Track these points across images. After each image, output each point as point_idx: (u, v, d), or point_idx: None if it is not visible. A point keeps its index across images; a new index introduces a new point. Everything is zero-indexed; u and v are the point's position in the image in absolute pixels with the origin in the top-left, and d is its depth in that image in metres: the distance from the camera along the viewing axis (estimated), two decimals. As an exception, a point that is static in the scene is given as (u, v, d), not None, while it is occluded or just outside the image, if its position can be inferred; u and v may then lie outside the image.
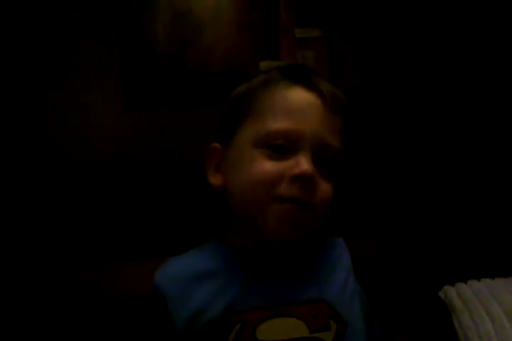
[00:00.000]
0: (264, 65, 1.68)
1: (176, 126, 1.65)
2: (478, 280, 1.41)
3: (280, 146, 0.64)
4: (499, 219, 1.68)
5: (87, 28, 1.59)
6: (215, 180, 0.71)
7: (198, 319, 0.65)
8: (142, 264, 1.56)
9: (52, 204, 1.58)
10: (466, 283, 1.41)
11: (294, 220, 0.64)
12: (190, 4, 1.63)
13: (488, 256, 1.59)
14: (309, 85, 0.66)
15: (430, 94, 1.76)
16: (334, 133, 0.66)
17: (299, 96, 0.66)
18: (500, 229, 1.65)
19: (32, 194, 1.57)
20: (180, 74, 1.65)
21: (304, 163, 0.62)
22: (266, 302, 0.64)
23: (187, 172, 1.66)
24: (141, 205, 1.64)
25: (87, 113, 1.61)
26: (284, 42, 1.71)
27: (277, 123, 0.64)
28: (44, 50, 1.56)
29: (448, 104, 1.76)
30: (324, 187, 0.64)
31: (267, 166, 0.63)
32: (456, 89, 1.76)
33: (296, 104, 0.65)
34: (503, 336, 1.20)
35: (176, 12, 1.63)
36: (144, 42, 1.62)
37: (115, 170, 1.63)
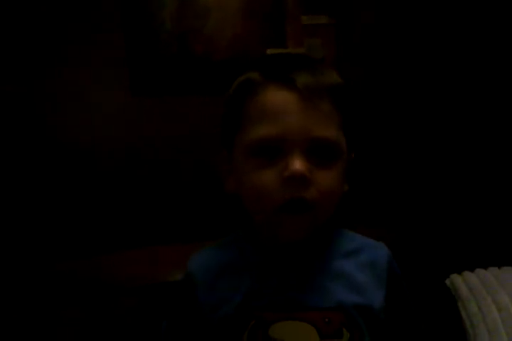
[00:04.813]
0: (270, 52, 1.66)
1: (182, 112, 1.64)
2: (485, 269, 1.41)
3: (270, 152, 0.64)
4: (508, 208, 1.68)
5: (92, 14, 1.57)
6: (228, 185, 0.73)
7: (218, 309, 0.69)
8: (143, 252, 1.57)
9: (54, 193, 1.58)
10: (473, 271, 1.41)
11: (305, 227, 0.67)
12: (195, -10, 1.62)
13: (496, 245, 1.59)
14: (284, 81, 0.65)
15: (442, 82, 1.74)
16: (322, 122, 0.65)
17: (274, 97, 0.65)
18: (508, 219, 1.64)
19: (33, 183, 1.57)
20: (186, 60, 1.64)
21: (292, 163, 0.62)
22: (283, 303, 0.67)
23: (192, 160, 1.66)
24: (145, 193, 1.64)
25: (93, 100, 1.60)
26: (291, 29, 1.70)
27: (261, 131, 0.64)
28: (48, 37, 1.54)
29: (460, 93, 1.74)
30: (325, 179, 0.64)
31: (263, 177, 0.64)
32: (467, 79, 1.74)
33: (274, 106, 0.65)
34: (509, 324, 1.21)
35: (181, -2, 1.61)
36: (150, 29, 1.60)
37: (119, 158, 1.63)
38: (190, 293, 0.73)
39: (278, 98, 0.65)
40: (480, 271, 1.41)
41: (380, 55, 1.72)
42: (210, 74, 1.65)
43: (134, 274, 1.51)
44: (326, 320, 0.65)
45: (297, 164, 0.62)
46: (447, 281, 1.45)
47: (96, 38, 1.58)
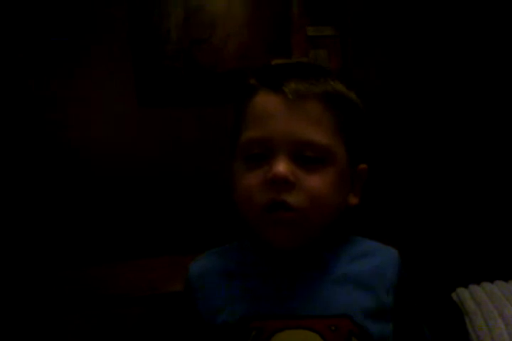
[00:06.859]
0: (275, 62, 1.67)
1: (188, 123, 1.65)
2: (492, 282, 1.40)
3: (257, 155, 0.65)
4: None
5: (98, 25, 1.58)
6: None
7: (217, 317, 0.67)
8: (144, 263, 1.56)
9: (58, 202, 1.58)
10: (479, 285, 1.40)
11: (290, 227, 0.64)
12: (201, 1, 1.63)
13: (502, 259, 1.58)
14: (274, 87, 0.65)
15: (447, 91, 1.74)
16: (310, 126, 0.64)
17: (263, 102, 0.66)
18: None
19: (37, 192, 1.57)
20: (192, 71, 1.65)
21: (275, 166, 0.62)
22: (285, 312, 0.64)
23: (196, 170, 1.66)
24: (148, 203, 1.64)
25: (100, 110, 1.61)
26: (296, 40, 1.70)
27: (248, 133, 0.66)
28: (56, 48, 1.56)
29: (466, 101, 1.74)
30: (312, 183, 0.63)
31: (247, 180, 0.65)
32: (474, 87, 1.74)
33: (261, 111, 0.66)
34: (517, 339, 1.19)
35: (187, 9, 1.62)
36: (156, 40, 1.61)
37: (125, 168, 1.63)
38: (189, 299, 0.72)
39: (266, 103, 0.66)
40: (486, 285, 1.39)
41: (386, 66, 1.72)
42: (216, 85, 1.66)
43: (139, 283, 1.51)
44: (333, 328, 0.62)
45: (280, 166, 0.62)
46: (453, 295, 1.43)
47: (103, 50, 1.59)
